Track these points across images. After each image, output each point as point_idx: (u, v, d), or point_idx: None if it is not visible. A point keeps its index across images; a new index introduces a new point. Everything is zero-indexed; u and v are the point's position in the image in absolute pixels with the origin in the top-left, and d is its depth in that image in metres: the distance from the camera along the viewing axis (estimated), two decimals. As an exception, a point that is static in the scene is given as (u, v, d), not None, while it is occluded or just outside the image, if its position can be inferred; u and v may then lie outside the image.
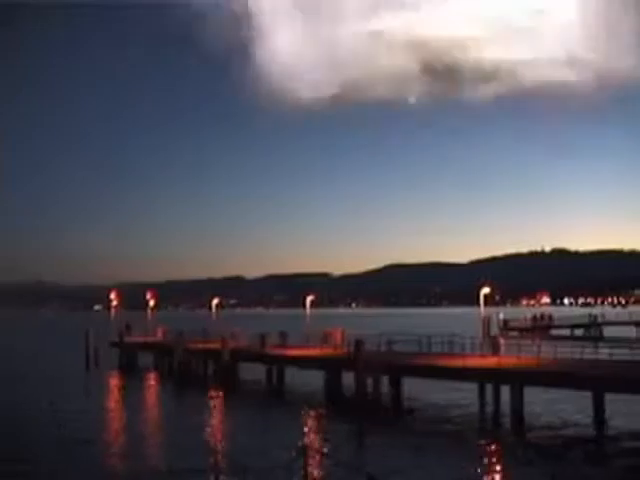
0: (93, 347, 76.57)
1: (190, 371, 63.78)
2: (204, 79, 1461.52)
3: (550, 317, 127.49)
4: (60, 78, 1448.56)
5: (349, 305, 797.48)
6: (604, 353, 43.36)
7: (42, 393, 53.85)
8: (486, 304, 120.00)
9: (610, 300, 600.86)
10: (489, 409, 41.34)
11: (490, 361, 42.12)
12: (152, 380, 64.11)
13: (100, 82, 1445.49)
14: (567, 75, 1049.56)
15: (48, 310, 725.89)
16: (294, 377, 55.10)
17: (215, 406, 46.24)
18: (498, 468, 26.84)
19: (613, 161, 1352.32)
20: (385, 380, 45.91)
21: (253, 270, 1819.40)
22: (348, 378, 46.67)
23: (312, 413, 41.05)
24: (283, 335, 62.39)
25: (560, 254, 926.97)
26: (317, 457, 27.11)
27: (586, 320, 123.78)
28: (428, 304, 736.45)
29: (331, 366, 49.21)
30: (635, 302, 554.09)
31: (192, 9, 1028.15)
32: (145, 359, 74.40)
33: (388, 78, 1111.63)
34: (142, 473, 27.25)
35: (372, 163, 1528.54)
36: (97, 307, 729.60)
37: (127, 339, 78.51)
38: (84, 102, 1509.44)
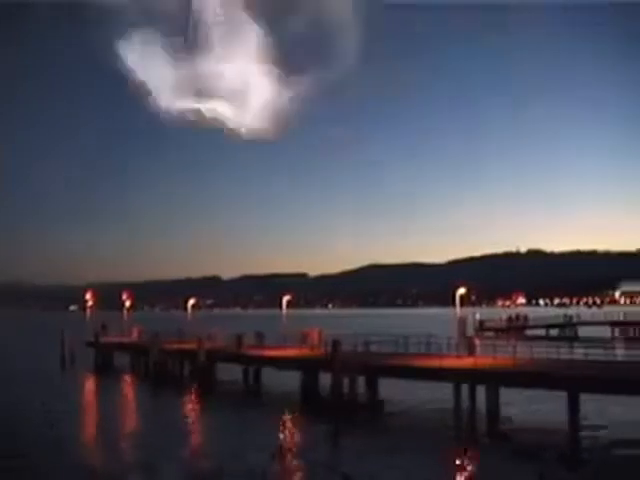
0: (68, 347, 76.22)
1: (166, 372, 63.52)
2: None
3: (525, 317, 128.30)
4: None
5: (326, 306, 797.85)
6: (579, 353, 43.60)
7: (19, 394, 53.68)
8: (462, 305, 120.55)
9: (585, 300, 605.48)
10: (465, 409, 41.52)
11: (466, 361, 42.26)
12: (128, 380, 63.81)
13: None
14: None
15: (28, 310, 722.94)
16: (271, 378, 55.06)
17: (191, 407, 46.09)
18: (474, 468, 26.93)
19: (587, 164, 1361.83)
20: (362, 380, 46.01)
21: (230, 270, 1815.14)
22: (325, 378, 46.69)
23: (289, 414, 41.04)
24: (260, 335, 62.33)
25: (536, 255, 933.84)
26: (293, 457, 27.13)
27: (561, 320, 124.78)
28: (405, 305, 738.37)
29: (308, 366, 49.14)
30: (610, 302, 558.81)
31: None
32: (121, 359, 74.06)
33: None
34: (118, 474, 27.14)
35: (348, 164, 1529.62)
36: (72, 307, 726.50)
37: (103, 339, 78.19)
38: (62, 110, 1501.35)
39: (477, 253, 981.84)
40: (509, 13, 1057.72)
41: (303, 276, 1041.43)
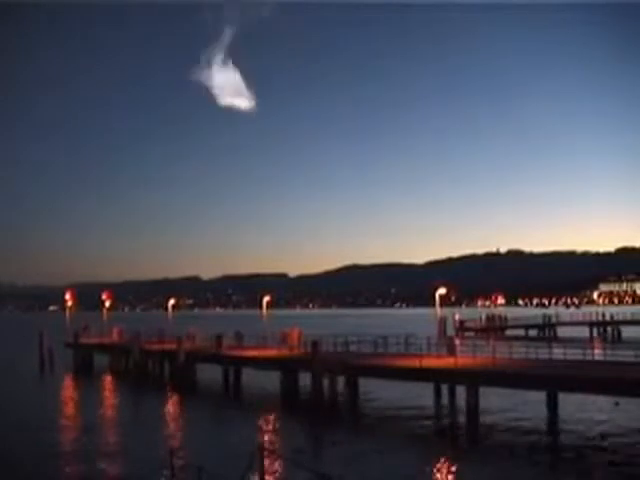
0: (47, 348, 75.70)
1: (146, 372, 63.38)
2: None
3: (505, 318, 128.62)
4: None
5: (307, 306, 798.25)
6: (558, 353, 43.85)
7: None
8: (442, 305, 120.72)
9: (564, 300, 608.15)
10: (445, 409, 41.70)
11: (446, 361, 42.37)
12: (108, 381, 63.50)
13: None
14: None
15: (5, 310, 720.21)
16: (251, 378, 55.06)
17: (171, 407, 45.99)
18: (453, 468, 27.03)
19: (566, 165, 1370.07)
20: (341, 381, 46.07)
21: (210, 270, 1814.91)
22: (305, 379, 46.74)
23: (268, 413, 41.03)
24: (239, 336, 62.30)
25: (515, 255, 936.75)
26: (273, 457, 27.13)
27: (540, 321, 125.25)
28: (384, 305, 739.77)
29: (288, 367, 49.16)
30: (588, 302, 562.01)
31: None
32: (101, 360, 73.68)
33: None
34: (98, 475, 27.05)
35: (327, 165, 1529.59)
36: (52, 307, 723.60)
37: (83, 340, 77.82)
38: (45, 104, 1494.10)
39: (457, 253, 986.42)
40: (508, 12, 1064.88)
41: (283, 276, 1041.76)
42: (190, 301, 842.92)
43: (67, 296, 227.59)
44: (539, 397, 39.44)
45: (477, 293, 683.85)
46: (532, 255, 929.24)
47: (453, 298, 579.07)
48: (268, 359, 51.72)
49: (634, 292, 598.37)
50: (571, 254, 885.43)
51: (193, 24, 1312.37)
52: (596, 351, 47.60)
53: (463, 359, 42.72)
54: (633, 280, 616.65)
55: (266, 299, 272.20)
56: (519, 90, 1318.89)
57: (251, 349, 57.53)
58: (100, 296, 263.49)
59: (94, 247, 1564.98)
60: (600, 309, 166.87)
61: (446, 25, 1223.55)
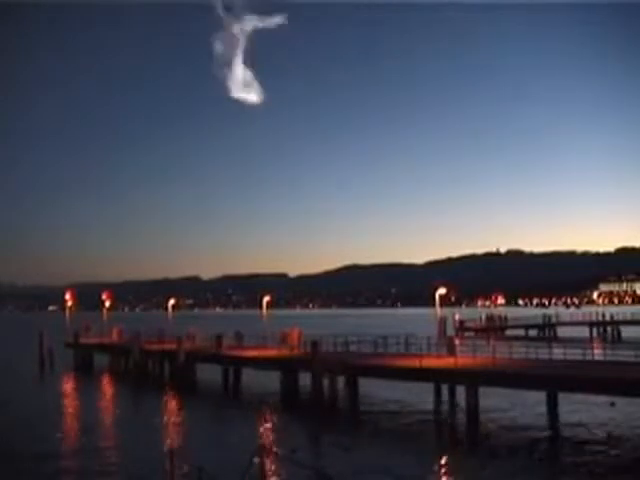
0: (47, 348, 75.65)
1: (146, 372, 63.34)
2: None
3: (505, 318, 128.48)
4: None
5: (306, 306, 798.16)
6: (558, 353, 43.82)
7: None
8: (442, 305, 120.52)
9: (564, 300, 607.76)
10: (445, 409, 41.68)
11: (446, 361, 42.34)
12: (108, 381, 63.50)
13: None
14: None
15: (5, 310, 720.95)
16: (251, 378, 55.03)
17: (171, 407, 45.97)
18: (453, 469, 27.02)
19: (567, 165, 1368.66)
20: (341, 380, 46.03)
21: (210, 270, 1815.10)
22: (305, 379, 46.71)
23: (268, 413, 41.05)
24: (239, 335, 62.27)
25: (515, 255, 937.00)
26: (273, 457, 27.12)
27: (540, 321, 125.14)
28: (384, 305, 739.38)
29: (288, 367, 49.10)
30: (588, 302, 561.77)
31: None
32: (101, 360, 73.65)
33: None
34: (97, 475, 27.05)
35: (327, 165, 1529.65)
36: (52, 307, 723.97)
37: (83, 340, 77.78)
38: (45, 104, 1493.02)
39: (457, 253, 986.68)
40: (508, 12, 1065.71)
41: (283, 276, 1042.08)
42: (190, 301, 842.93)
43: (67, 296, 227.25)
44: (539, 397, 39.42)
45: (477, 293, 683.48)
46: (532, 255, 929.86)
47: (453, 298, 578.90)
48: (268, 359, 51.68)
49: (634, 292, 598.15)
50: (571, 254, 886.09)
51: (193, 23, 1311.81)
52: (596, 351, 47.54)
53: (463, 359, 42.68)
54: (633, 280, 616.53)
55: (266, 299, 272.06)
56: (519, 90, 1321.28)
57: (251, 349, 57.48)
58: (100, 296, 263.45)
59: (94, 247, 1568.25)
60: (600, 309, 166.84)
61: (446, 25, 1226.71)
